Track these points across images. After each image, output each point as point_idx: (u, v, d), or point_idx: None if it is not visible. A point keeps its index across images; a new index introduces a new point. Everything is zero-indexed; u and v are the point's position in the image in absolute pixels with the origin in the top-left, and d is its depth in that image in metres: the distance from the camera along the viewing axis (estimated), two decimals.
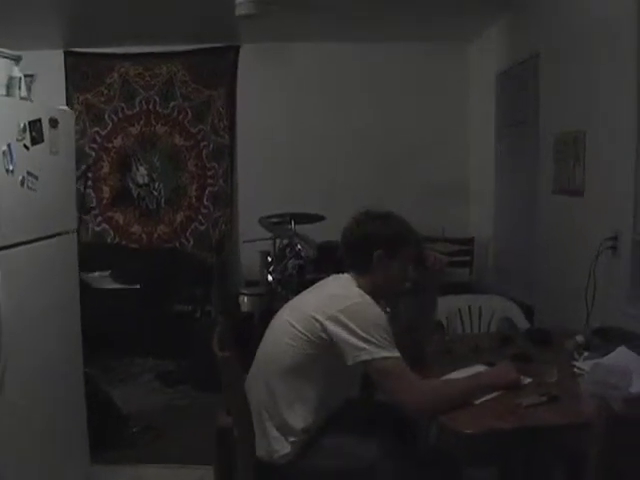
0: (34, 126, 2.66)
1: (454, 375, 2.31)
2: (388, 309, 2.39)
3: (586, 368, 2.35)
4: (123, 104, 6.15)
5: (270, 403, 2.19)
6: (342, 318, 2.09)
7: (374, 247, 2.26)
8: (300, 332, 2.15)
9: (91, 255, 5.75)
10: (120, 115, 6.16)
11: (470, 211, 6.15)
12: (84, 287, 5.38)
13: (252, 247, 5.29)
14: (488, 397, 2.12)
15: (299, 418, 2.16)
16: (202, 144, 6.19)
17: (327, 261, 3.89)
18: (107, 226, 6.25)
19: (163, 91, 6.14)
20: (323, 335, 2.11)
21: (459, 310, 3.59)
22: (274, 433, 2.18)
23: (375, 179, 5.92)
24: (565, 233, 3.96)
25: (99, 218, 6.22)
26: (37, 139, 2.68)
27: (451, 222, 5.89)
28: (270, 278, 4.75)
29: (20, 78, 2.77)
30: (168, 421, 4.08)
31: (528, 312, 3.70)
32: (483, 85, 5.74)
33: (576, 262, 3.63)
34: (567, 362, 2.48)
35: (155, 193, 6.24)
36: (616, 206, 3.30)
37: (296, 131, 6.04)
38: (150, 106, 6.16)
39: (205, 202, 6.22)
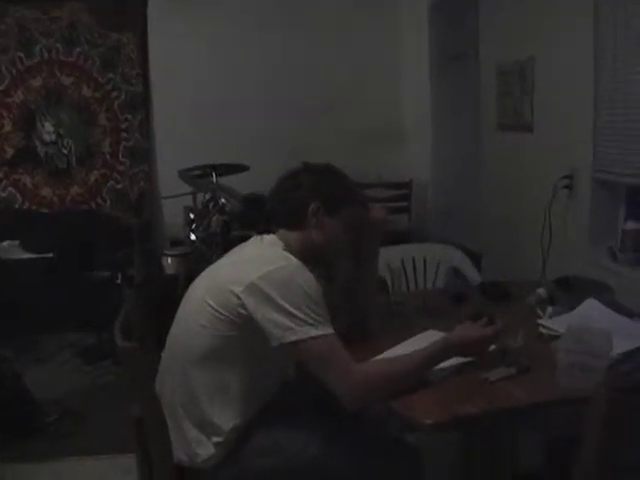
0: None
1: (403, 347, 1.97)
2: (321, 274, 2.02)
3: (555, 327, 2.07)
4: (21, 53, 5.51)
5: (186, 398, 1.81)
6: (262, 287, 1.71)
7: (310, 199, 1.90)
8: (215, 310, 1.76)
9: None
10: (19, 66, 5.52)
11: (406, 153, 5.81)
12: None
13: (175, 204, 4.87)
14: (446, 371, 1.80)
15: (223, 414, 1.79)
16: (113, 94, 5.65)
17: (254, 215, 3.54)
18: (14, 190, 5.67)
19: (66, 37, 5.53)
20: (242, 311, 1.73)
21: (402, 262, 3.28)
22: (193, 433, 1.80)
23: (303, 124, 5.57)
24: (513, 173, 3.65)
25: (4, 182, 5.64)
26: None
27: (387, 166, 5.59)
28: (193, 237, 4.33)
29: None
30: (89, 404, 3.67)
31: (475, 260, 3.41)
32: (415, 17, 5.37)
33: (528, 204, 3.33)
34: (531, 321, 2.18)
35: (64, 151, 5.69)
36: (571, 141, 2.99)
37: (215, 76, 5.57)
38: (52, 55, 5.54)
39: (121, 158, 5.73)
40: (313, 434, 1.83)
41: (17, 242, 5.19)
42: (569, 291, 2.35)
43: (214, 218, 4.24)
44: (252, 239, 1.96)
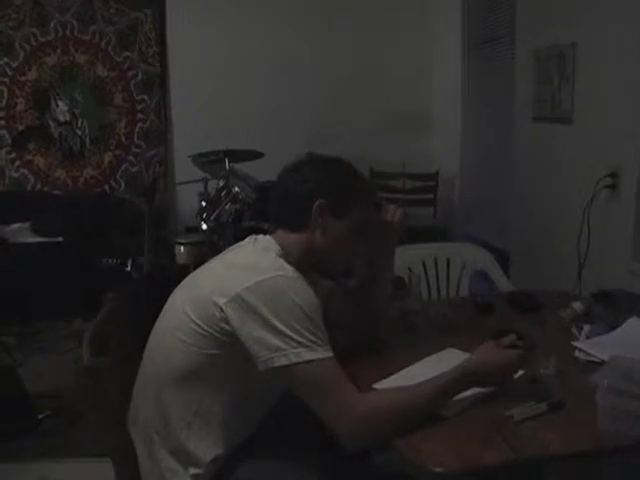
0: None
1: (416, 370, 1.71)
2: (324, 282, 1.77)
3: (593, 352, 1.79)
4: (35, 29, 5.32)
5: (162, 424, 1.57)
6: (248, 300, 1.46)
7: (314, 197, 1.63)
8: (195, 323, 1.51)
9: (8, 205, 5.19)
10: (33, 43, 5.34)
11: (433, 143, 5.53)
12: None
13: (190, 190, 4.66)
14: (462, 404, 1.53)
15: (202, 443, 1.55)
16: (129, 74, 5.45)
17: (267, 205, 3.35)
18: (26, 171, 5.51)
19: (81, 13, 5.33)
20: (225, 326, 1.48)
21: (423, 263, 3.02)
22: (168, 463, 1.56)
23: (322, 110, 5.33)
24: (549, 169, 3.34)
25: (16, 163, 5.48)
26: None
27: (412, 156, 5.31)
28: (204, 226, 4.10)
29: None
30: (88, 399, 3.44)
31: (502, 259, 3.14)
32: None
33: (564, 204, 3.04)
34: (564, 341, 1.90)
35: (79, 132, 5.51)
36: (615, 135, 2.68)
37: (233, 58, 5.35)
38: (67, 32, 5.35)
39: (136, 140, 5.53)
40: (308, 470, 1.57)
41: (27, 225, 5.03)
42: (609, 307, 2.06)
43: (226, 207, 4.01)
44: (245, 240, 1.71)
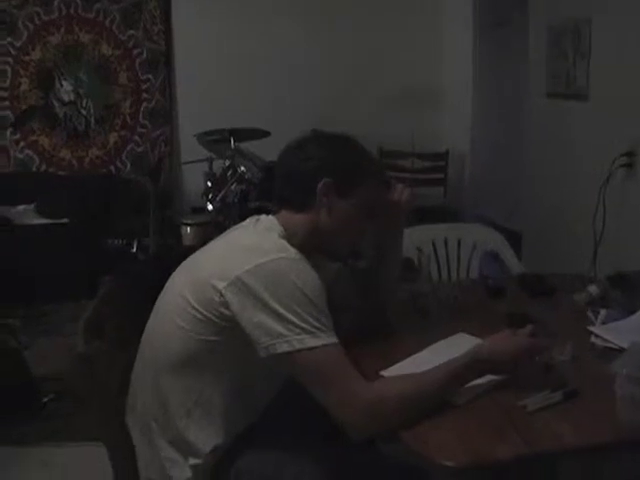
0: None
1: (424, 356, 1.65)
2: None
3: (610, 338, 1.72)
4: (39, 8, 5.23)
5: (160, 411, 1.51)
6: (249, 283, 1.39)
7: (319, 175, 1.56)
8: (194, 308, 1.45)
9: (13, 186, 5.13)
10: (37, 22, 5.25)
11: (444, 122, 5.42)
12: (4, 223, 4.77)
13: (196, 169, 4.60)
14: (473, 392, 1.46)
15: (202, 432, 1.49)
16: (134, 52, 5.37)
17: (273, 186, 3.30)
18: (31, 152, 5.44)
19: None
20: (225, 311, 1.41)
21: (433, 243, 2.95)
22: (168, 452, 1.51)
23: (330, 87, 5.23)
24: (563, 147, 3.25)
25: (21, 143, 5.40)
26: None
27: (422, 135, 5.20)
28: (210, 207, 4.04)
29: None
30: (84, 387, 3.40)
31: (514, 240, 3.06)
32: None
33: (579, 183, 2.94)
34: (580, 326, 1.82)
35: (83, 112, 5.44)
36: (633, 113, 2.59)
37: (239, 36, 5.25)
38: (71, 10, 5.25)
39: (141, 120, 5.45)
40: (311, 461, 1.51)
41: (32, 206, 4.98)
42: (626, 290, 1.98)
43: (232, 187, 3.94)
44: (247, 220, 1.64)
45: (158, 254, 4.57)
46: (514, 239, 3.11)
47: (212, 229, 4.12)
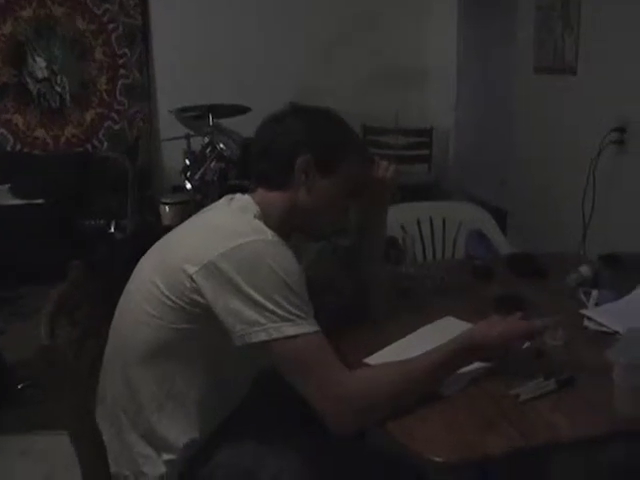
0: None
1: (411, 341, 1.57)
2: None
3: (604, 321, 1.65)
4: None
5: (131, 404, 1.42)
6: (223, 268, 1.29)
7: (298, 151, 1.46)
8: (164, 294, 1.35)
9: None
10: None
11: (428, 97, 5.32)
12: None
13: (176, 147, 4.47)
14: (462, 381, 1.39)
15: (176, 426, 1.40)
16: (110, 27, 5.21)
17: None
18: (5, 131, 5.29)
19: None
20: (197, 298, 1.32)
21: (418, 222, 2.88)
22: (140, 447, 1.42)
23: (313, 61, 5.12)
24: (551, 123, 3.18)
25: None
26: None
27: (406, 111, 5.10)
28: (189, 185, 3.93)
29: None
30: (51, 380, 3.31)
31: (499, 218, 3.00)
32: None
33: (568, 161, 2.86)
34: (571, 309, 1.76)
35: (58, 89, 5.28)
36: (623, 87, 2.51)
37: (219, 7, 5.11)
38: None
39: (118, 96, 5.31)
40: (292, 455, 1.43)
41: (6, 187, 4.85)
42: (619, 270, 1.91)
43: (211, 165, 3.84)
44: (221, 200, 1.54)
45: (136, 234, 4.47)
46: (499, 217, 3.04)
47: (192, 208, 4.03)
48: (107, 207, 4.79)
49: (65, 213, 4.76)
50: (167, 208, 4.29)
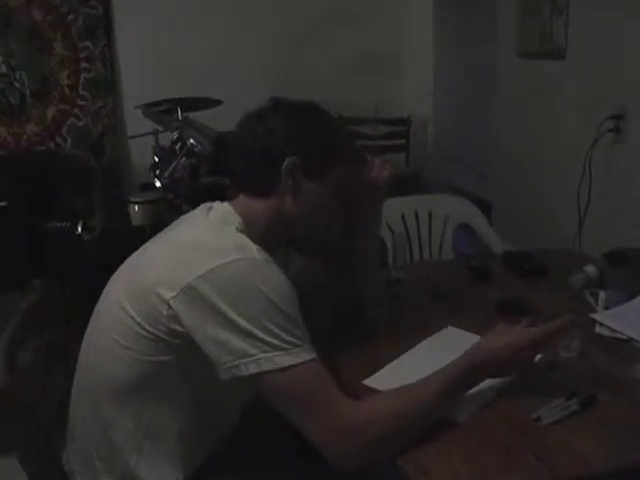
0: None
1: (412, 358, 1.45)
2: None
3: (617, 327, 1.54)
4: None
5: (104, 446, 1.26)
6: (203, 292, 1.14)
7: (283, 153, 1.31)
8: (136, 322, 1.19)
9: None
10: None
11: (405, 86, 5.14)
12: None
13: (144, 144, 4.28)
14: (473, 404, 1.25)
15: (156, 468, 1.25)
16: (69, 18, 4.96)
17: (227, 159, 3.01)
18: None
19: None
20: (175, 327, 1.16)
21: (402, 217, 2.75)
22: None
23: (285, 50, 4.93)
24: (541, 111, 3.01)
25: None
26: None
27: (383, 100, 4.96)
28: (158, 183, 3.76)
29: None
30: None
31: (484, 209, 2.88)
32: None
33: (560, 151, 2.72)
34: (581, 312, 1.63)
35: (17, 85, 5.03)
36: (619, 72, 2.37)
37: None
38: None
39: (81, 92, 5.08)
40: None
41: None
42: (626, 269, 1.78)
43: (181, 161, 3.66)
44: (197, 209, 1.38)
45: (104, 235, 4.30)
46: (484, 208, 2.92)
47: (162, 207, 3.86)
48: (73, 208, 4.61)
49: (29, 215, 4.55)
50: (137, 207, 4.10)
